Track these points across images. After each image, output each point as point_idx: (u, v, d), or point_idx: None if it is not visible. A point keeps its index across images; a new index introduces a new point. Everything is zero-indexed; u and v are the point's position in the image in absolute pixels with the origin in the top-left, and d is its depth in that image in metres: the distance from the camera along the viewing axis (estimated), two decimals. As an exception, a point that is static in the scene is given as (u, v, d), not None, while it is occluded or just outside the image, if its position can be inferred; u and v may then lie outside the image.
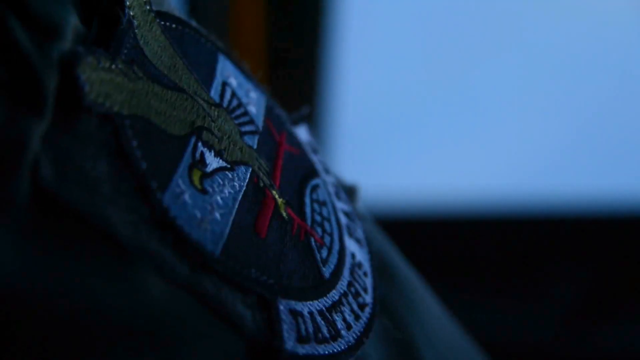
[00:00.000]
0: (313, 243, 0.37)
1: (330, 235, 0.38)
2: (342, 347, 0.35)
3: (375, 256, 0.40)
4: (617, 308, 1.48)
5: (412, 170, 1.52)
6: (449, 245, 1.49)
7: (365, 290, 0.38)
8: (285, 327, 0.33)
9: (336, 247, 0.38)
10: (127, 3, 0.35)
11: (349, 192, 0.43)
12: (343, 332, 0.35)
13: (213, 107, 0.36)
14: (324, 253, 0.37)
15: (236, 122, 0.37)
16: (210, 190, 0.33)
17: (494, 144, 1.48)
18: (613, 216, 1.46)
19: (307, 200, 0.38)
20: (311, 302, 0.35)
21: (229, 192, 0.34)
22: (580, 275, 1.49)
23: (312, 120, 1.38)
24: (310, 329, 0.34)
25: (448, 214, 1.46)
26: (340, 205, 0.40)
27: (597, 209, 1.46)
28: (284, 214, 0.36)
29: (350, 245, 0.39)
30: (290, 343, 0.33)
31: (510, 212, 1.46)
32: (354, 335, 0.36)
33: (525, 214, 1.46)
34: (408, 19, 1.49)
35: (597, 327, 1.48)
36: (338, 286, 0.37)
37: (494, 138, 1.48)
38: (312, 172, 0.40)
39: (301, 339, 0.33)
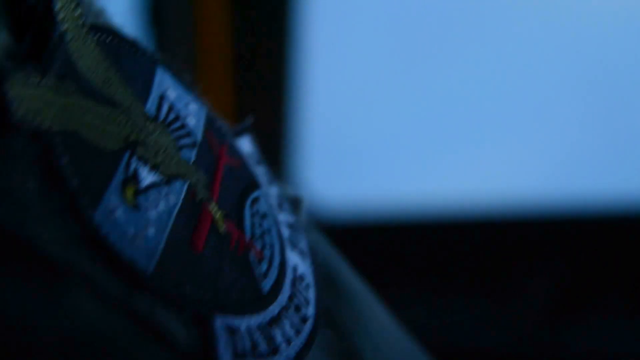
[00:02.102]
0: (252, 257, 0.36)
1: (271, 248, 0.38)
2: None
3: (320, 267, 0.40)
4: (590, 307, 1.48)
5: (384, 174, 1.52)
6: (422, 247, 1.49)
7: (307, 303, 0.38)
8: (221, 343, 0.33)
9: (276, 260, 0.37)
10: (60, 17, 0.35)
11: (294, 202, 0.42)
12: (282, 347, 0.35)
13: (149, 121, 0.35)
14: (264, 267, 0.37)
15: (173, 135, 0.36)
16: (144, 205, 0.33)
17: (468, 147, 1.48)
18: (585, 215, 1.47)
19: (247, 213, 0.38)
20: (249, 317, 0.35)
21: (164, 208, 0.34)
22: (553, 274, 1.49)
23: (281, 127, 1.38)
24: (248, 345, 0.34)
25: (421, 217, 1.46)
26: (283, 217, 0.40)
27: (569, 208, 1.46)
28: (222, 228, 0.36)
29: (293, 257, 0.39)
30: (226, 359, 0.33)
31: (482, 213, 1.46)
32: (294, 349, 0.35)
33: (497, 214, 1.46)
34: (384, 17, 1.48)
35: (571, 326, 1.48)
36: (278, 300, 0.36)
37: (467, 141, 1.48)
38: (253, 185, 0.39)
39: (238, 355, 0.33)
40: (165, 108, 0.37)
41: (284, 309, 0.36)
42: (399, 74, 1.45)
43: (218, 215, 0.36)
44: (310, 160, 1.44)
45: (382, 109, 1.47)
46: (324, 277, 0.40)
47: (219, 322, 0.33)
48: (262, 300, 0.36)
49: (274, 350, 0.35)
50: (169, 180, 0.35)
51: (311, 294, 0.38)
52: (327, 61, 1.42)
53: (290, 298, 0.37)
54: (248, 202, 0.38)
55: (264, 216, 0.38)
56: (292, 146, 1.41)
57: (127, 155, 0.33)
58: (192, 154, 0.37)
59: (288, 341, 0.35)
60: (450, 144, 1.50)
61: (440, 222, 1.46)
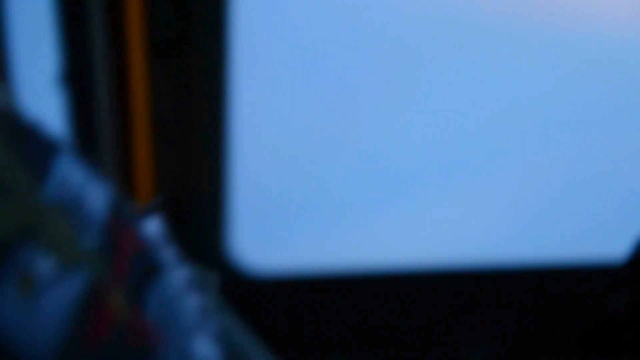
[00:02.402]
0: (152, 344, 0.35)
1: (173, 333, 0.37)
2: None
3: (230, 347, 0.39)
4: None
5: (319, 231, 1.51)
6: (356, 305, 1.48)
7: None
8: None
9: (178, 345, 0.37)
10: None
11: (205, 283, 0.41)
12: None
13: (47, 209, 0.34)
14: (165, 354, 0.36)
15: (74, 222, 0.35)
16: (40, 298, 0.32)
17: (406, 201, 1.47)
18: (526, 272, 1.46)
19: (151, 299, 0.37)
20: None
21: (62, 300, 0.33)
22: (494, 332, 1.48)
23: (210, 183, 1.36)
24: None
25: (355, 274, 1.45)
26: (191, 300, 0.39)
27: (510, 264, 1.46)
28: (122, 317, 0.35)
29: (197, 341, 0.38)
30: None
31: (419, 270, 1.45)
32: None
33: (435, 270, 1.45)
34: (321, 72, 1.47)
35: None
36: None
37: (406, 195, 1.47)
38: (158, 269, 0.38)
39: None
40: (66, 194, 0.36)
41: None
42: (334, 134, 1.44)
43: (119, 304, 0.35)
44: (242, 218, 1.43)
45: (318, 165, 1.47)
46: (233, 357, 0.39)
47: None
48: None
49: None
50: (68, 269, 0.34)
51: None
52: (261, 116, 1.41)
53: None
54: (151, 288, 0.37)
55: (167, 301, 0.38)
56: (222, 202, 1.39)
57: (22, 246, 0.32)
58: (94, 240, 0.36)
59: None
60: (388, 199, 1.49)
61: (375, 279, 1.45)
